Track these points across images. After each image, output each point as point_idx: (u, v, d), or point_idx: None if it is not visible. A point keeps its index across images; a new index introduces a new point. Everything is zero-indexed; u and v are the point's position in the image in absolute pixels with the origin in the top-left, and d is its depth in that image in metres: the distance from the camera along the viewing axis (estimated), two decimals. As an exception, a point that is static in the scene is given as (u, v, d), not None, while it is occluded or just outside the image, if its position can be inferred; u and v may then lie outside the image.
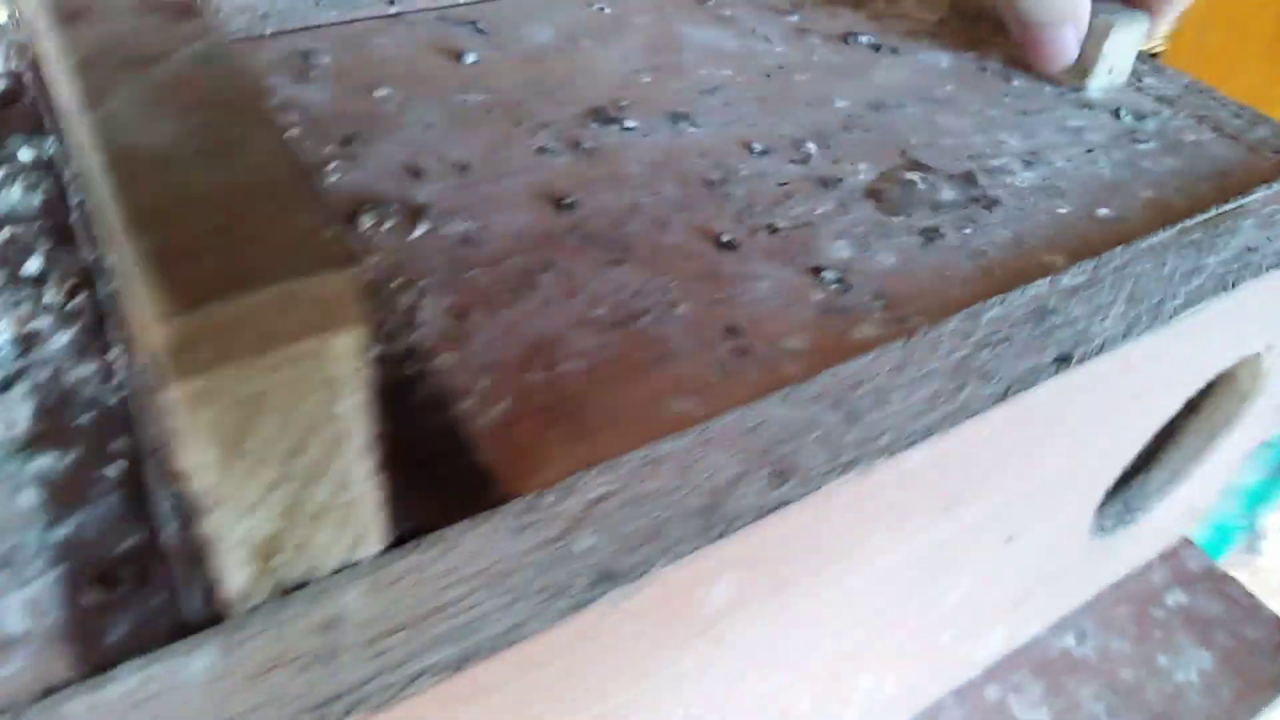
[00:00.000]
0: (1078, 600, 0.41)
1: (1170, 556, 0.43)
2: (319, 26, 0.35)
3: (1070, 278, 0.27)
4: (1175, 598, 0.42)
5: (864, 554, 0.24)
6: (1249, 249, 0.29)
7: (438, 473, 0.20)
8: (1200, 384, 0.32)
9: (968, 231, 0.29)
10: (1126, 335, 0.25)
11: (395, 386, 0.22)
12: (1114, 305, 0.26)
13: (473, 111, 0.32)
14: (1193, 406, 0.36)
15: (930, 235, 0.29)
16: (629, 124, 0.32)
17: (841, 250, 0.28)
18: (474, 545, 0.19)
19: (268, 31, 0.35)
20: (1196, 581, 0.42)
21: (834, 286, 0.26)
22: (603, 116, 0.32)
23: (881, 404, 0.23)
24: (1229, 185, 0.32)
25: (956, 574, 0.29)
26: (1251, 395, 0.34)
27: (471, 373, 0.23)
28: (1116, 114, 0.35)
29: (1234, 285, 0.27)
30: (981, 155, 0.32)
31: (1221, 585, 0.42)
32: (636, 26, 0.37)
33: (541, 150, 0.30)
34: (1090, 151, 0.33)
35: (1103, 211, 0.30)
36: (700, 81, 0.35)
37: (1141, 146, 0.34)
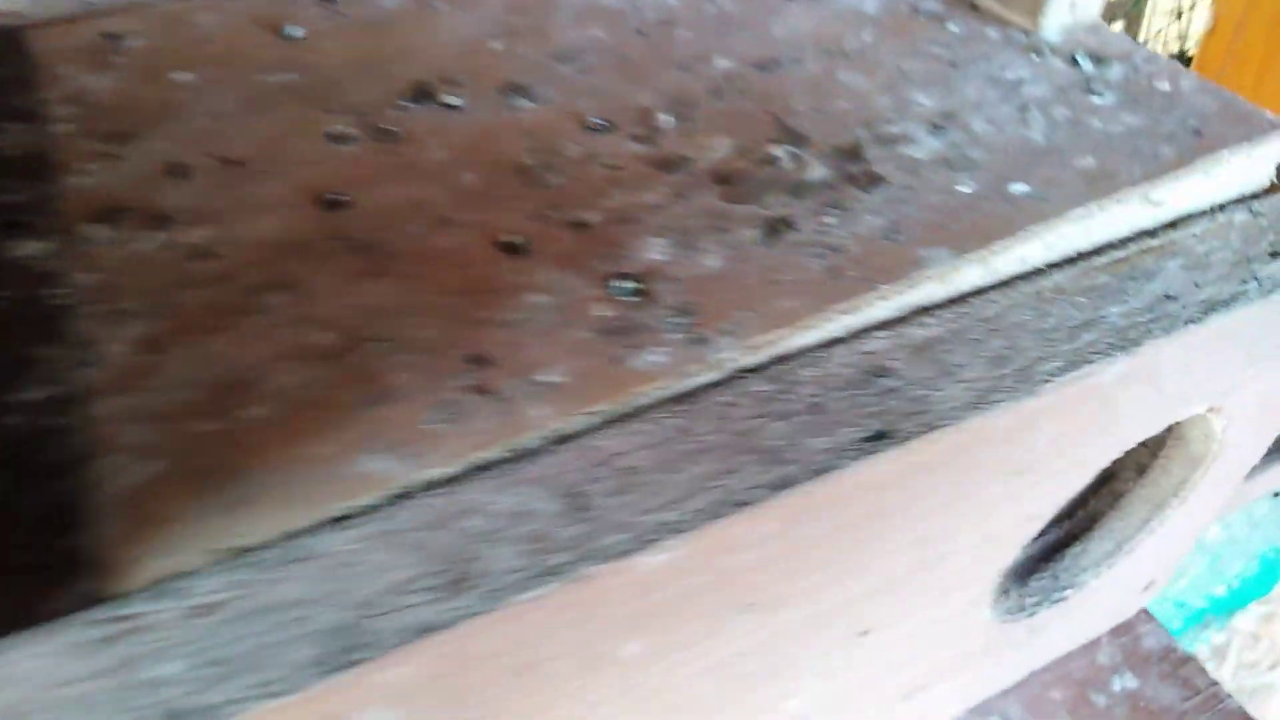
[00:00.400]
0: (999, 684, 0.34)
1: (1122, 633, 0.36)
2: (144, 5, 0.32)
3: (921, 329, 0.21)
4: (1123, 682, 0.34)
5: (616, 674, 0.19)
6: (1167, 297, 0.22)
7: (16, 563, 0.16)
8: (1115, 454, 0.25)
9: (828, 221, 0.23)
10: (978, 406, 0.19)
11: (22, 444, 0.18)
12: (968, 367, 0.20)
13: (274, 95, 0.27)
14: (1140, 469, 0.29)
15: (775, 228, 0.23)
16: (451, 101, 0.27)
17: (655, 251, 0.22)
18: (11, 668, 0.15)
19: (86, 14, 0.31)
20: (1150, 663, 0.35)
21: (629, 299, 0.21)
22: (422, 94, 0.27)
23: (623, 491, 0.17)
24: (1201, 146, 0.25)
25: (791, 675, 0.24)
26: (1205, 459, 0.27)
27: (130, 423, 0.19)
28: (1074, 60, 0.28)
29: (1136, 345, 0.20)
30: (879, 120, 0.26)
31: (1179, 668, 0.34)
32: (507, -16, 0.32)
33: (335, 138, 0.26)
34: (1024, 110, 0.26)
35: (1018, 188, 0.24)
36: (559, 46, 0.29)
37: (1096, 100, 0.27)
